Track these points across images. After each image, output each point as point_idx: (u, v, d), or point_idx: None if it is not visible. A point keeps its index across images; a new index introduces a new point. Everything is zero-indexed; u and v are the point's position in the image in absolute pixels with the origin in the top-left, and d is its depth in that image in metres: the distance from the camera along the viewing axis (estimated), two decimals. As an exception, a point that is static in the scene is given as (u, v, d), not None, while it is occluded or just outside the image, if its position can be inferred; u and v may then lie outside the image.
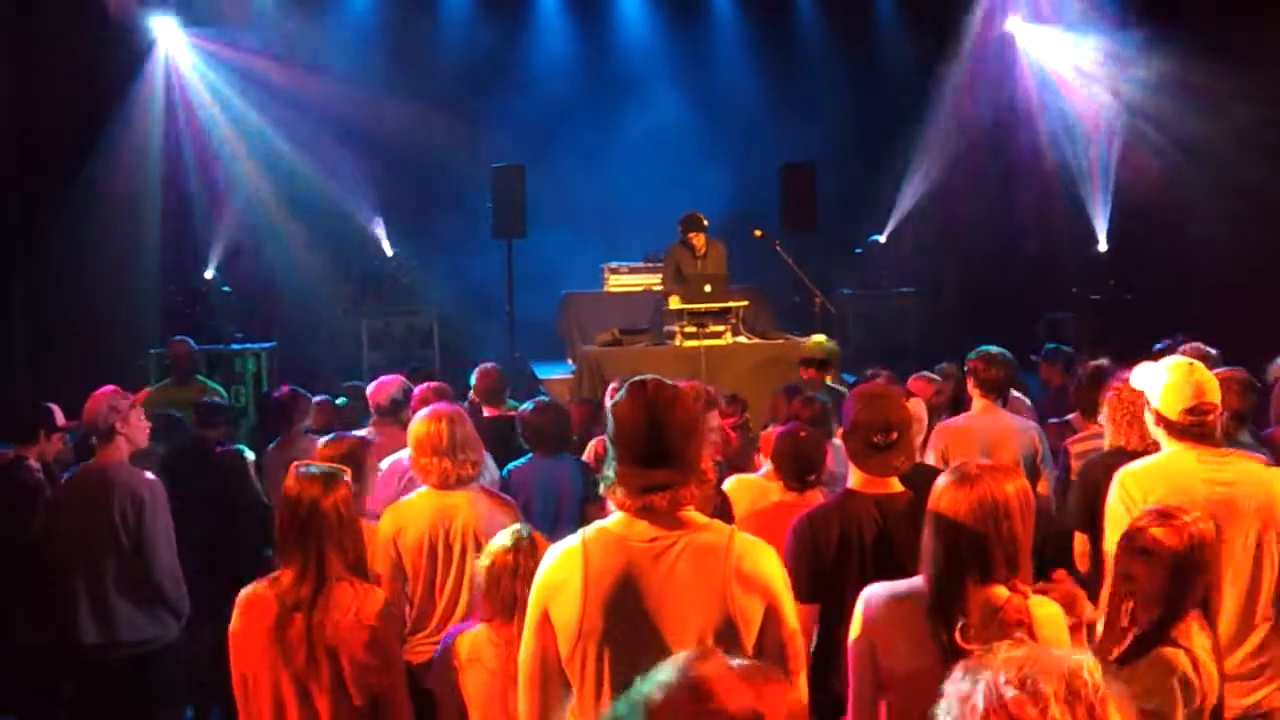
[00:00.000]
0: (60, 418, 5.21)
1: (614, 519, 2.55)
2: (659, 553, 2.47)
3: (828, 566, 3.20)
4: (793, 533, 3.32)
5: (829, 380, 6.80)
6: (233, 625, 3.01)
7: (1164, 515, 2.74)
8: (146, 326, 10.35)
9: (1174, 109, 10.80)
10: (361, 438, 4.09)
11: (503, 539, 3.19)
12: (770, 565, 2.53)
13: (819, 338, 7.40)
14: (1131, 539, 2.75)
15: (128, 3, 10.49)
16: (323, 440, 4.18)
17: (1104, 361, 5.47)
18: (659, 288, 9.94)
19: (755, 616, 2.47)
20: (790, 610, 2.54)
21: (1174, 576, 2.65)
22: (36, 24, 9.74)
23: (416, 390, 5.45)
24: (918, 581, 2.63)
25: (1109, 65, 11.57)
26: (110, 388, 4.56)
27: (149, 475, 4.50)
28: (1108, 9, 11.12)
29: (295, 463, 3.15)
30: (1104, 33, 11.48)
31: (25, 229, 10.04)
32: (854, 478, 3.33)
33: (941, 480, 2.64)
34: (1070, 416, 5.67)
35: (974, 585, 2.52)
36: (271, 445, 5.77)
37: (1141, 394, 3.60)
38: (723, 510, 3.95)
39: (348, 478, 3.08)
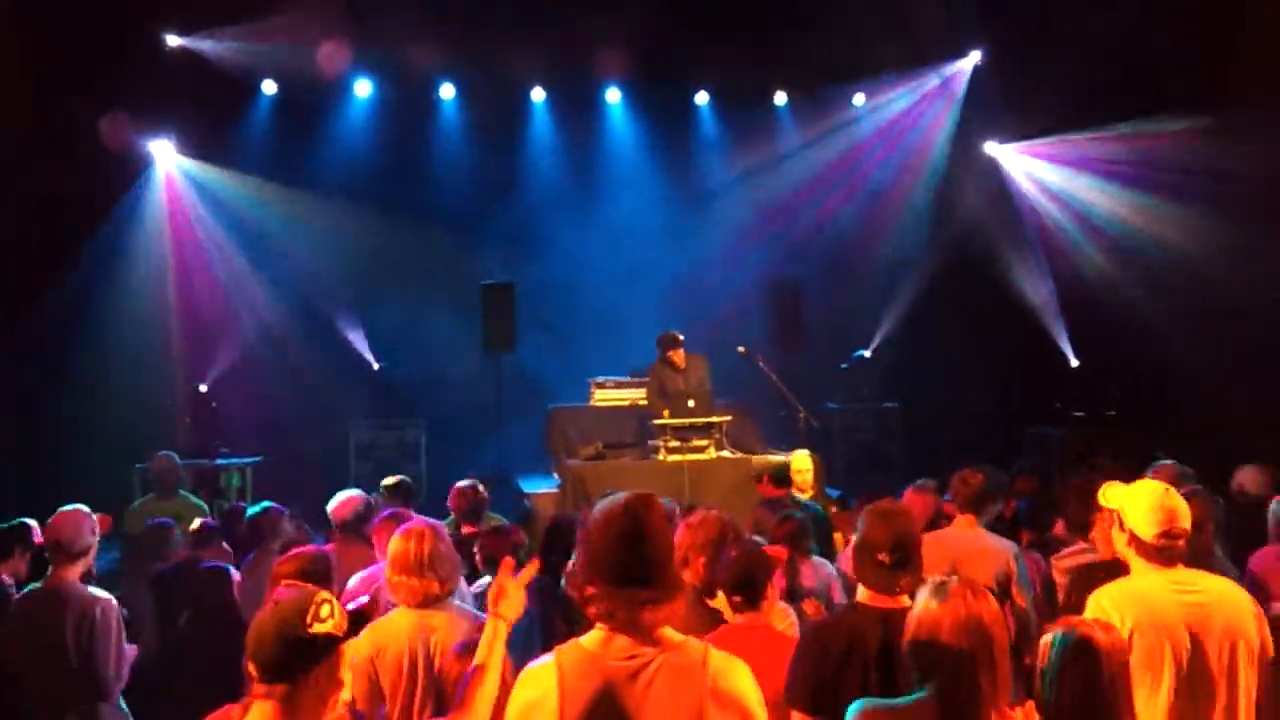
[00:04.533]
0: (38, 535, 5.19)
1: (590, 637, 2.56)
2: (635, 671, 2.49)
3: (829, 678, 3.17)
4: (799, 642, 3.32)
5: (801, 495, 6.83)
6: None
7: (1088, 623, 2.83)
8: (133, 440, 10.34)
9: (1138, 217, 11.11)
10: (320, 551, 4.10)
11: None
12: (745, 682, 2.54)
13: (798, 454, 7.40)
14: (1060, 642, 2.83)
15: (123, 131, 10.73)
16: (281, 557, 4.18)
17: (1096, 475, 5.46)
18: (644, 402, 10.01)
19: None
20: None
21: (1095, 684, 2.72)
22: (36, 141, 9.92)
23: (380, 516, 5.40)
24: (921, 698, 2.63)
25: (1079, 175, 11.93)
26: (78, 508, 4.59)
27: (101, 593, 4.53)
28: (1082, 113, 11.41)
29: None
30: (1075, 141, 11.84)
31: (14, 341, 10.12)
32: (861, 592, 3.33)
33: (932, 598, 2.66)
34: (1052, 533, 5.67)
35: (984, 704, 2.54)
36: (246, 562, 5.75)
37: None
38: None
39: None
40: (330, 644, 2.50)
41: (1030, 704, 3.19)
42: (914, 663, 2.65)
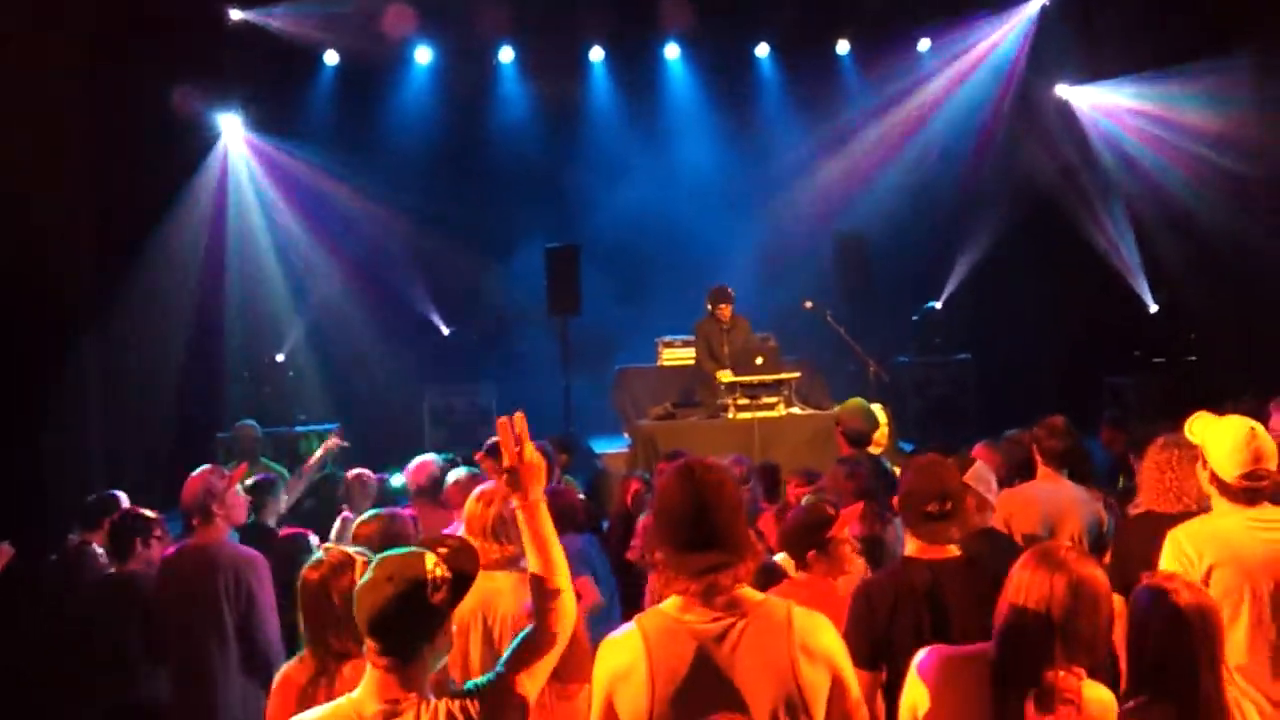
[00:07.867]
0: (124, 505, 5.31)
1: (670, 603, 2.55)
2: (721, 633, 2.48)
3: (882, 633, 3.21)
4: (850, 601, 3.36)
5: (876, 450, 6.68)
6: (269, 705, 3.08)
7: (1167, 579, 2.78)
8: (215, 411, 10.60)
9: (1223, 156, 10.73)
10: (394, 513, 4.14)
11: None
12: (831, 637, 2.55)
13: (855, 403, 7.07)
14: (1137, 599, 2.79)
15: (193, 100, 10.89)
16: (359, 519, 4.22)
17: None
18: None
19: (822, 689, 2.49)
20: (853, 680, 2.57)
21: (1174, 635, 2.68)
22: (110, 111, 9.98)
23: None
24: (982, 648, 2.60)
25: (1153, 116, 11.55)
26: (207, 467, 4.58)
27: (252, 550, 4.51)
28: (1154, 52, 11.01)
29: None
30: (1148, 81, 11.46)
31: (98, 312, 10.35)
32: (910, 545, 3.36)
33: (1029, 560, 2.60)
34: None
35: (1054, 663, 2.49)
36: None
37: (1181, 455, 3.74)
38: None
39: (359, 561, 3.08)
40: (448, 608, 2.44)
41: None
42: (1011, 615, 2.58)
